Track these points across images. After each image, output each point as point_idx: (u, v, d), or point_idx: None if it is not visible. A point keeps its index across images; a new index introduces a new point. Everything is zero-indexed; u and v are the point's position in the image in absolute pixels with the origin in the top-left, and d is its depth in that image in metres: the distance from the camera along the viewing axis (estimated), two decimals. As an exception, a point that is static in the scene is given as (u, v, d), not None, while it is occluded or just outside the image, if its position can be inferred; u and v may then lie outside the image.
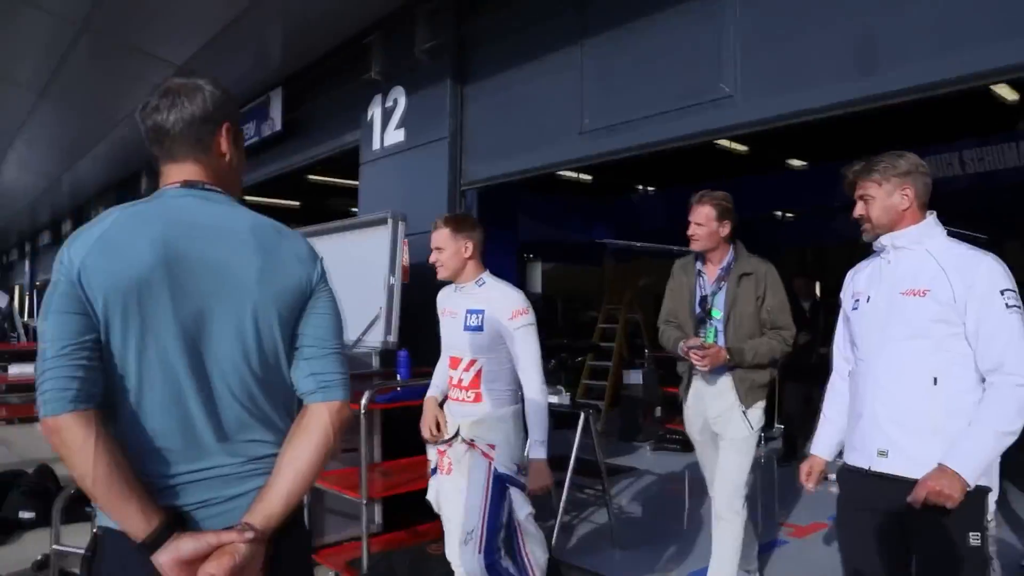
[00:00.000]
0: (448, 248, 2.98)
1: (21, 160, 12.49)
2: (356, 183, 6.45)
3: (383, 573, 3.71)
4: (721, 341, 3.41)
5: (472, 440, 2.90)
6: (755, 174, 11.16)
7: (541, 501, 3.12)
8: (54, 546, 2.61)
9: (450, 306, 3.04)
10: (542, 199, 11.50)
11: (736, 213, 3.49)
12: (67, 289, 1.34)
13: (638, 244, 12.50)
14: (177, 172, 1.53)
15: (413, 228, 4.66)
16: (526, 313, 2.86)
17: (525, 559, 2.85)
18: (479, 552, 2.74)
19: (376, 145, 6.05)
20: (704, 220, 3.43)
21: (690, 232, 3.48)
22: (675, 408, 5.73)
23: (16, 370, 10.24)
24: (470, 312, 2.92)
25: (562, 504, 4.56)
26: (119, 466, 1.30)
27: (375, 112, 6.12)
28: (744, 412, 3.41)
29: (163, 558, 1.31)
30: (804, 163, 11.83)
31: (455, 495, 2.96)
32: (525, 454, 2.98)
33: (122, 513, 1.31)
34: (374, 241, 4.75)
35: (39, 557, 2.78)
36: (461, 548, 2.81)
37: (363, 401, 3.72)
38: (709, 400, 3.51)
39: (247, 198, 12.41)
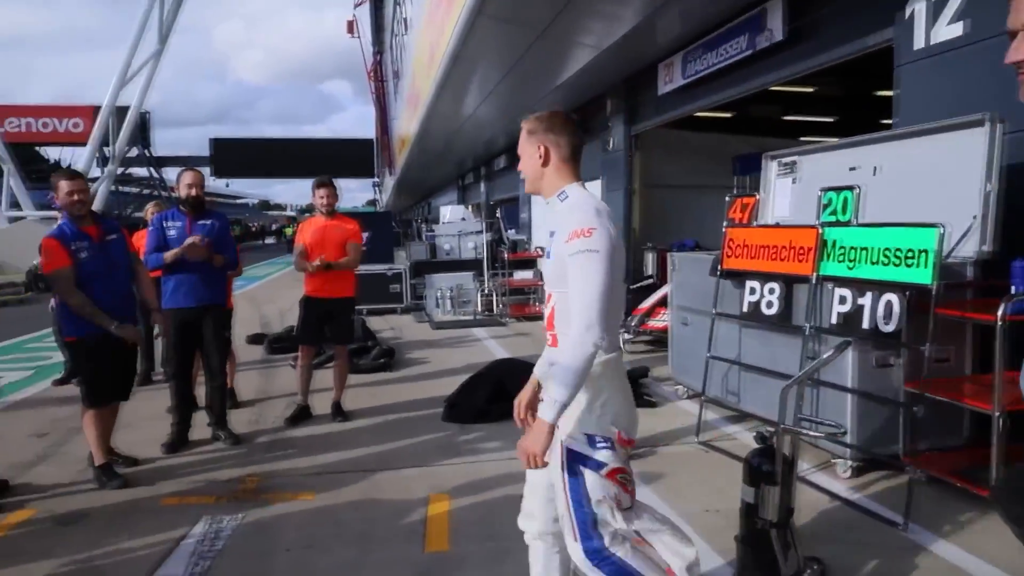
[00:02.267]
0: (524, 154, 2.46)
1: (497, 95, 14.16)
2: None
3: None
4: None
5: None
6: None
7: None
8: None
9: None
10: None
11: None
12: None
13: None
14: None
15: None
16: (587, 235, 2.19)
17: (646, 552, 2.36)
18: (575, 540, 2.33)
19: (919, 44, 5.63)
20: None
21: None
22: None
23: (519, 275, 12.01)
24: (551, 233, 2.41)
25: None
26: None
27: (918, 6, 5.67)
28: None
29: None
30: None
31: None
32: (611, 423, 2.31)
33: None
34: (952, 145, 4.48)
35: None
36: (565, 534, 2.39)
37: (1000, 312, 3.57)
38: None
39: (707, 115, 12.24)
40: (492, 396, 5.72)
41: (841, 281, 4.15)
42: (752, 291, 4.82)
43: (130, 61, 28.38)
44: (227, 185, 73.17)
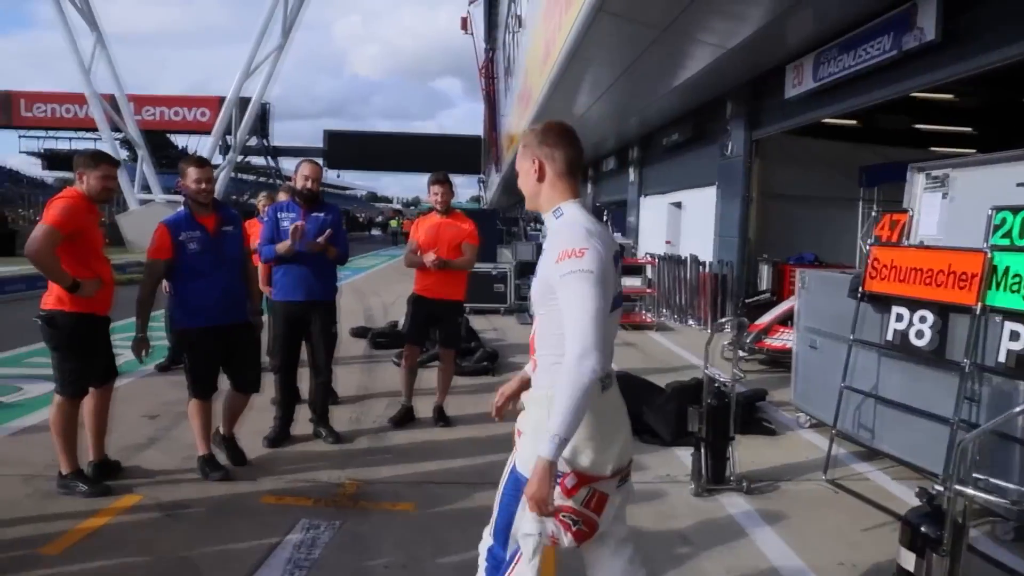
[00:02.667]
0: (520, 169, 2.31)
1: (611, 94, 13.79)
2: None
3: None
4: None
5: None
6: None
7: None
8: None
9: None
10: None
11: None
12: None
13: None
14: None
15: None
16: (579, 256, 2.04)
17: None
18: (490, 533, 2.35)
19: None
20: None
21: None
22: None
23: (627, 282, 11.63)
24: (542, 251, 2.25)
25: None
26: None
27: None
28: None
29: None
30: None
31: None
32: (570, 458, 2.11)
33: None
34: None
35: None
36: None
37: None
38: None
39: (830, 121, 11.40)
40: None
41: (1014, 315, 3.63)
42: (899, 318, 4.33)
43: (254, 55, 29.54)
44: (338, 176, 75.37)
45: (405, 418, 5.68)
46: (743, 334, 7.82)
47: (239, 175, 46.33)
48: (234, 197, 40.55)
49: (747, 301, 9.11)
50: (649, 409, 5.37)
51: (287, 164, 61.57)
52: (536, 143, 2.25)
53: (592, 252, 2.04)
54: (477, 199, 75.28)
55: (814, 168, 12.35)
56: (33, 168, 55.16)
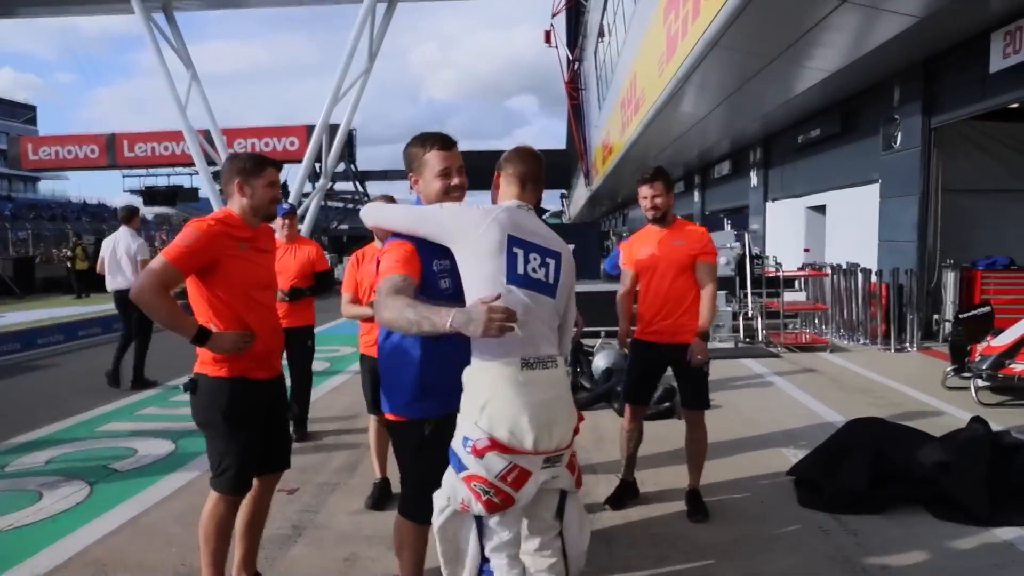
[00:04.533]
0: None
1: (747, 89, 12.33)
2: None
3: None
4: None
5: None
6: None
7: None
8: None
9: None
10: None
11: None
12: None
13: None
14: None
15: None
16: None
17: None
18: None
19: None
20: None
21: None
22: None
23: (789, 297, 10.14)
24: None
25: None
26: None
27: None
28: None
29: None
30: None
31: None
32: (487, 428, 2.20)
33: None
34: None
35: None
36: None
37: None
38: None
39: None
40: (874, 474, 4.04)
41: None
42: None
43: (341, 81, 29.42)
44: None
45: (625, 495, 4.31)
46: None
47: (327, 202, 46.45)
48: (325, 226, 40.52)
49: (962, 316, 7.50)
50: (944, 473, 3.96)
51: (373, 188, 61.96)
52: (501, 159, 2.59)
53: (480, 214, 2.40)
54: (559, 214, 74.16)
55: (1001, 157, 10.63)
56: (135, 205, 57.24)
